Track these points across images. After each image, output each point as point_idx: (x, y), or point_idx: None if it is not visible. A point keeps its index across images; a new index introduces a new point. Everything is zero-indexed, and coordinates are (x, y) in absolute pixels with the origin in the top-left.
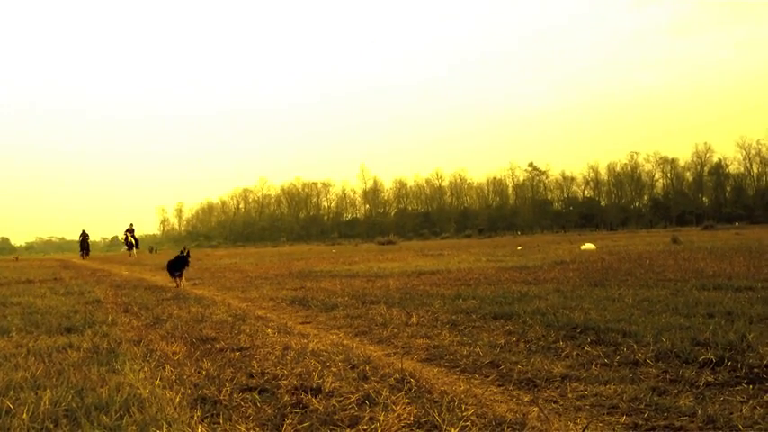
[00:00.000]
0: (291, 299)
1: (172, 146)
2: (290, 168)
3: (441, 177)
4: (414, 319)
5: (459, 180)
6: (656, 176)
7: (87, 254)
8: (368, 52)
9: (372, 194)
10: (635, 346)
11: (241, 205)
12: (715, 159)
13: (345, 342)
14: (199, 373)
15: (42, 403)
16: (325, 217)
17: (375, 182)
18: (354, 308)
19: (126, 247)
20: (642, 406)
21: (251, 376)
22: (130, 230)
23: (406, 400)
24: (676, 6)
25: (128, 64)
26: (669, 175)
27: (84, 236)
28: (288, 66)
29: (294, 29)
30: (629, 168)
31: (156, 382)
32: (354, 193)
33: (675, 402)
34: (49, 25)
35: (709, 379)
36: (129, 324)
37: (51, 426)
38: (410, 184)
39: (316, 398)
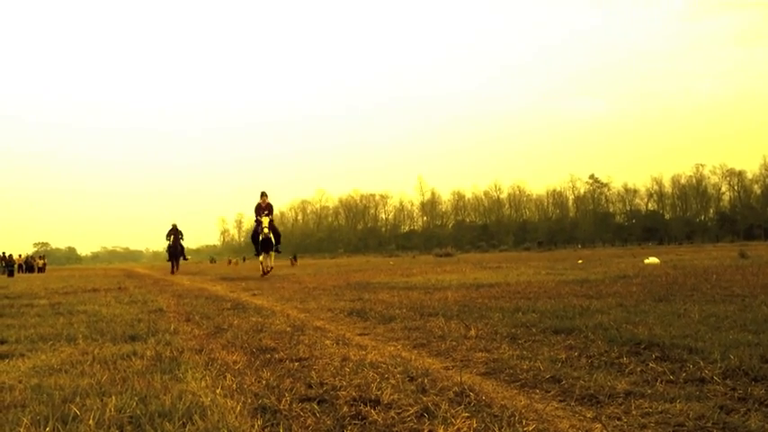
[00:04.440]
0: (349, 310)
1: (231, 157)
2: (347, 180)
3: (499, 189)
4: (472, 332)
5: (517, 192)
6: (723, 189)
7: (178, 264)
8: (423, 61)
9: (430, 206)
10: (701, 363)
11: (299, 216)
12: None
13: (404, 354)
14: (259, 382)
15: (108, 410)
16: (383, 229)
17: (433, 194)
18: (412, 320)
19: (258, 247)
20: (709, 424)
21: (310, 387)
22: (266, 209)
23: (466, 414)
24: (738, 16)
25: (185, 80)
26: (736, 187)
27: (176, 235)
28: (344, 76)
29: (349, 38)
30: (694, 181)
31: (218, 391)
32: (412, 204)
33: (744, 421)
34: (120, 48)
35: None
36: (190, 333)
37: None
38: (468, 195)
39: (374, 409)
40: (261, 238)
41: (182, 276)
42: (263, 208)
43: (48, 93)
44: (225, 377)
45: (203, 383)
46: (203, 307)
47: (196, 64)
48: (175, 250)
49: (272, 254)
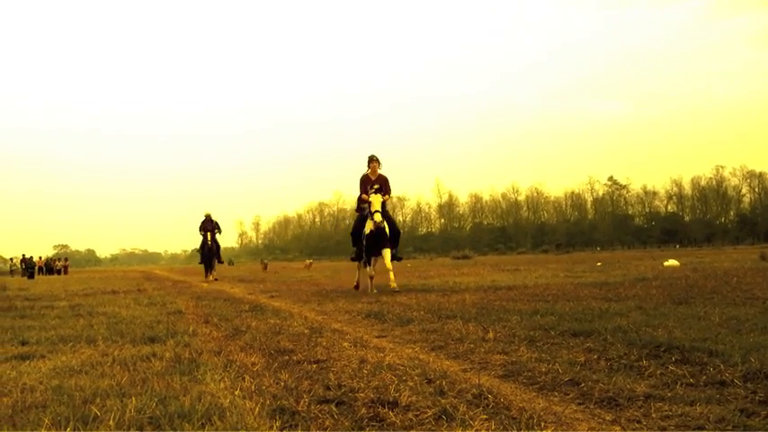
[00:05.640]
0: (367, 312)
1: (248, 159)
2: None
3: (517, 191)
4: (490, 335)
5: (535, 194)
6: (743, 191)
7: (213, 267)
8: (440, 62)
9: (447, 209)
10: (722, 366)
11: (317, 219)
12: None
13: (421, 356)
14: (277, 384)
15: (127, 411)
16: (400, 231)
17: (450, 196)
18: (430, 322)
19: (361, 244)
20: (730, 427)
21: (328, 388)
22: (377, 182)
23: (484, 416)
24: (758, 15)
25: (200, 84)
26: (757, 189)
27: (212, 229)
28: (360, 77)
29: (365, 40)
30: (714, 183)
31: (236, 393)
32: (429, 207)
33: (766, 424)
34: (137, 54)
35: None
36: (209, 335)
37: None
38: (486, 198)
39: (392, 411)
40: (368, 229)
41: (200, 278)
42: (373, 181)
43: (67, 100)
44: (243, 379)
45: (222, 385)
46: (222, 309)
47: (213, 67)
48: (210, 250)
49: (387, 253)
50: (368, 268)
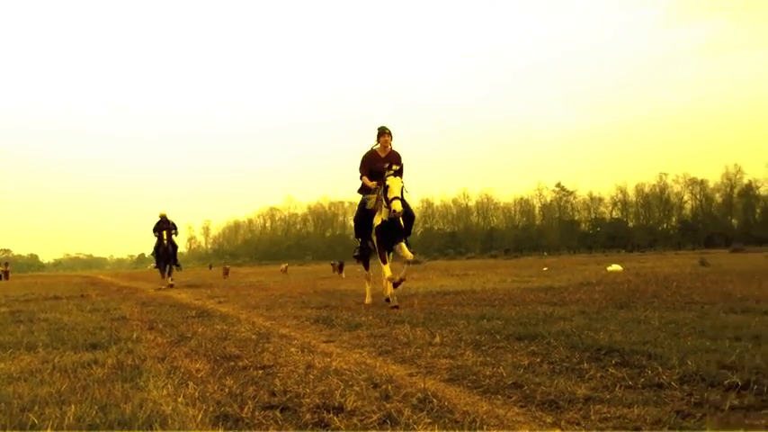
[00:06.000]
0: (315, 318)
1: (199, 163)
2: (316, 187)
3: (467, 197)
4: (437, 339)
5: (485, 200)
6: (685, 198)
7: (171, 271)
8: (392, 70)
9: None
10: (660, 369)
11: (267, 224)
12: (745, 181)
13: (368, 361)
14: (222, 390)
15: (66, 418)
16: (352, 236)
17: None
18: (378, 327)
19: (369, 239)
20: (666, 429)
21: (273, 394)
22: (390, 160)
23: (428, 420)
24: (704, 26)
25: (151, 86)
26: (698, 196)
27: (168, 230)
28: (314, 83)
29: (322, 45)
30: (657, 189)
31: (179, 399)
32: None
33: (700, 426)
34: (99, 52)
35: (735, 402)
36: (153, 341)
37: None
38: (437, 203)
39: (337, 416)
40: (380, 220)
41: (147, 283)
42: (384, 159)
43: (8, 96)
44: (187, 385)
45: (165, 392)
46: (168, 315)
47: (172, 68)
48: (167, 252)
49: (404, 247)
50: (386, 271)
